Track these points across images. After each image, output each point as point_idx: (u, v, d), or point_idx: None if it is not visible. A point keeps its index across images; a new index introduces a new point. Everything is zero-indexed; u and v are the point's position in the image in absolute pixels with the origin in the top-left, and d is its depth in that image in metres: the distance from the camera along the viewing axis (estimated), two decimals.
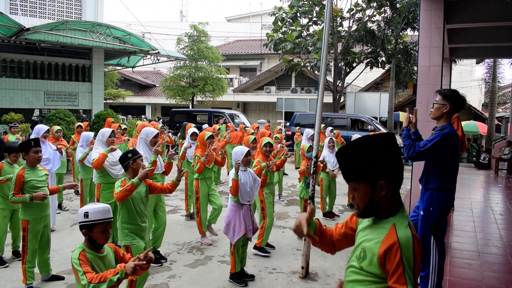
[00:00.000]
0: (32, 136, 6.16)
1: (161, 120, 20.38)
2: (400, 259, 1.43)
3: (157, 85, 29.68)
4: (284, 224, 6.39)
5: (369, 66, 18.52)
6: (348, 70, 18.93)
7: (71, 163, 8.21)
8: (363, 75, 20.10)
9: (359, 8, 17.61)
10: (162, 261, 4.67)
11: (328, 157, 6.63)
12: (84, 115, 15.62)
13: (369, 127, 13.98)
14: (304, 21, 18.61)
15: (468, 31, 8.03)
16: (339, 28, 18.29)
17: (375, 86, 22.98)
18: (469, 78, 28.00)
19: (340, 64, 18.51)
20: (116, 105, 27.39)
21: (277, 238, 5.60)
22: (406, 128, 3.40)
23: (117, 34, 13.74)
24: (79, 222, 2.35)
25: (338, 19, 17.96)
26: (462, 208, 6.94)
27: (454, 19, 6.61)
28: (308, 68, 18.98)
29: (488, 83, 20.44)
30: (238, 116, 16.73)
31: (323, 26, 4.57)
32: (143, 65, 18.31)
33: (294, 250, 5.23)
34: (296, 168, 12.09)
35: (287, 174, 11.01)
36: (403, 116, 18.77)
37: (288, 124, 15.89)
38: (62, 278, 4.14)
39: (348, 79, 19.37)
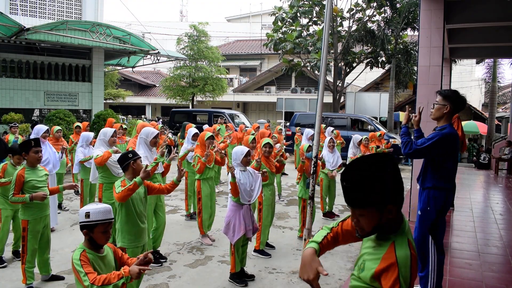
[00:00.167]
0: (32, 136, 6.16)
1: (161, 120, 20.37)
2: (397, 278, 1.44)
3: (157, 85, 29.69)
4: (284, 224, 6.40)
5: (369, 66, 18.52)
6: (348, 70, 18.93)
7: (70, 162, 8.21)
8: (363, 75, 20.10)
9: (359, 8, 17.61)
10: (162, 261, 4.67)
11: (328, 157, 6.62)
12: (84, 115, 15.62)
13: (369, 127, 13.98)
14: (304, 21, 18.61)
15: (468, 31, 8.03)
16: (339, 28, 18.29)
17: (375, 86, 22.97)
18: (469, 78, 28.00)
19: (340, 64, 18.50)
20: (116, 105, 27.39)
21: (277, 238, 5.60)
22: (405, 125, 3.41)
23: (117, 34, 13.74)
24: (80, 222, 2.35)
25: (338, 19, 17.96)
26: (462, 208, 6.95)
27: (454, 19, 6.61)
28: (308, 68, 18.98)
29: (488, 83, 20.44)
30: (238, 116, 16.73)
31: (323, 26, 4.57)
32: (143, 65, 18.31)
33: (294, 250, 5.23)
34: (296, 168, 12.09)
35: (287, 174, 11.01)
36: (403, 116, 18.73)
37: (288, 124, 15.89)
38: (62, 278, 4.14)
39: (348, 79, 19.37)
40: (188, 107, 23.61)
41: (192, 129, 6.44)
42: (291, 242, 5.53)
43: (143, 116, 26.54)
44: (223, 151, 5.76)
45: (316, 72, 18.45)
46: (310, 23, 18.53)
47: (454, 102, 3.27)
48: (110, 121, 8.42)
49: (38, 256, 4.01)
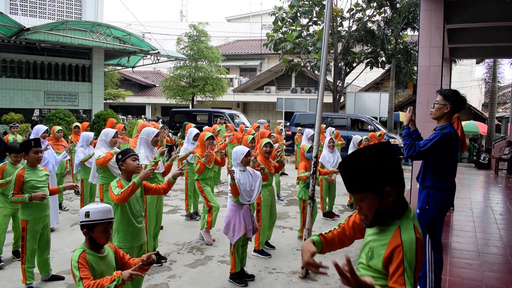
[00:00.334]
0: (31, 136, 6.16)
1: (161, 120, 20.38)
2: (401, 261, 1.45)
3: (157, 85, 29.69)
4: (284, 224, 6.39)
5: (369, 66, 18.52)
6: (348, 70, 18.94)
7: (69, 163, 8.21)
8: (363, 75, 20.10)
9: (359, 8, 17.61)
10: (162, 261, 4.67)
11: (328, 157, 6.62)
12: (84, 115, 15.62)
13: (369, 127, 13.98)
14: (304, 21, 18.62)
15: (468, 31, 8.03)
16: (339, 28, 18.29)
17: (375, 86, 22.98)
18: (469, 78, 28.01)
19: (340, 64, 18.51)
20: (116, 105, 27.40)
21: (277, 238, 5.60)
22: (407, 127, 3.40)
23: (117, 34, 13.75)
24: (80, 222, 2.35)
25: (338, 19, 17.96)
26: (462, 208, 6.95)
27: (454, 19, 6.61)
28: (308, 68, 18.98)
29: (488, 83, 20.44)
30: (238, 116, 16.74)
31: (323, 26, 4.57)
32: (143, 65, 18.32)
33: (294, 250, 5.23)
34: (296, 168, 12.09)
35: (287, 174, 11.01)
36: (403, 116, 18.76)
37: (288, 124, 15.89)
38: (62, 278, 4.14)
39: (348, 79, 19.37)
40: (188, 107, 23.61)
41: (193, 130, 6.44)
42: (291, 242, 5.53)
43: (143, 116, 26.54)
44: (223, 151, 5.75)
45: (316, 72, 18.45)
46: (310, 23, 18.54)
47: (455, 102, 3.28)
48: (110, 121, 8.41)
49: (38, 256, 4.01)
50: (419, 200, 3.42)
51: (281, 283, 4.21)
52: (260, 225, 4.90)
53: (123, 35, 13.83)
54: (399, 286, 1.44)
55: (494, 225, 6.01)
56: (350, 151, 7.47)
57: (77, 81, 15.18)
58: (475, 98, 27.86)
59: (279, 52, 18.63)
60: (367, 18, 17.78)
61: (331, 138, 6.86)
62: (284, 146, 9.23)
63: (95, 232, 2.31)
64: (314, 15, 18.07)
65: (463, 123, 8.53)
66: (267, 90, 26.53)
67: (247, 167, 4.26)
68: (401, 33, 16.93)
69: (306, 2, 17.78)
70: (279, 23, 18.49)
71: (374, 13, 17.62)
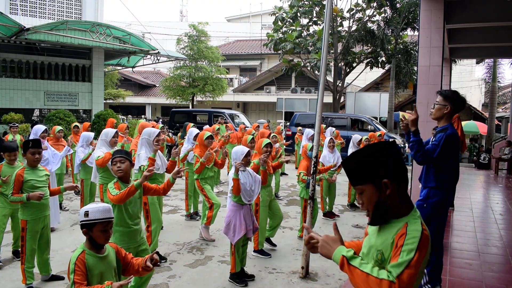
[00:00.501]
0: (31, 137, 6.17)
1: (161, 120, 20.38)
2: (402, 244, 1.46)
3: (157, 85, 29.69)
4: (284, 224, 6.39)
5: (369, 66, 18.52)
6: (348, 70, 18.93)
7: (70, 163, 8.21)
8: (363, 75, 20.10)
9: (359, 8, 17.61)
10: (162, 261, 4.67)
11: (328, 157, 6.62)
12: (84, 115, 15.63)
13: (369, 127, 13.98)
14: (304, 21, 18.62)
15: (468, 31, 8.03)
16: (339, 28, 18.29)
17: (375, 86, 22.98)
18: (469, 78, 28.01)
19: (340, 64, 18.50)
20: (116, 105, 27.40)
21: (277, 238, 5.60)
22: (413, 132, 3.27)
23: (117, 34, 13.76)
24: (80, 221, 2.35)
25: (338, 19, 17.96)
26: (462, 208, 6.95)
27: (454, 19, 6.61)
28: (308, 68, 18.98)
29: (488, 83, 20.43)
30: (238, 116, 16.74)
31: (323, 26, 4.57)
32: (143, 65, 18.33)
33: (294, 250, 5.23)
34: (296, 168, 12.09)
35: (287, 174, 11.01)
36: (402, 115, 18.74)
37: (288, 124, 15.89)
38: (62, 278, 4.14)
39: (348, 79, 19.37)
40: (188, 107, 23.62)
41: (193, 130, 6.44)
42: (291, 242, 5.53)
43: (143, 116, 26.54)
44: (225, 149, 5.74)
45: (316, 72, 18.45)
46: (310, 23, 18.53)
47: (455, 102, 3.29)
48: (110, 121, 8.42)
49: (37, 256, 4.01)
50: (420, 197, 3.46)
51: (281, 283, 4.21)
52: (258, 225, 4.90)
53: (123, 35, 13.84)
54: (391, 268, 1.43)
55: (494, 225, 6.01)
56: (350, 151, 7.47)
57: (77, 81, 15.19)
58: (475, 98, 27.86)
59: (279, 52, 18.63)
60: (367, 18, 17.78)
61: (331, 138, 6.86)
62: (284, 146, 9.23)
63: (94, 232, 2.30)
64: (314, 15, 18.07)
65: (463, 123, 8.54)
66: (267, 90, 26.53)
67: (247, 168, 4.26)
68: (401, 33, 16.93)
69: (306, 2, 17.78)
70: (279, 23, 18.49)
71: (374, 13, 17.62)
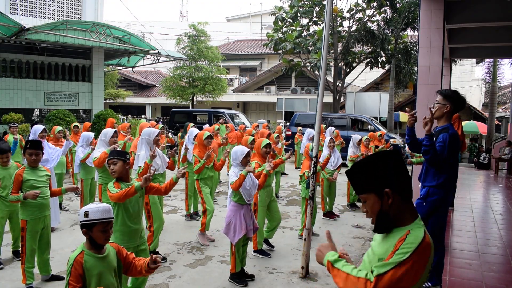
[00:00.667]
0: (30, 137, 6.17)
1: (161, 121, 20.38)
2: (397, 249, 1.44)
3: (157, 85, 29.69)
4: (284, 224, 6.39)
5: (369, 66, 18.52)
6: (348, 70, 18.93)
7: (70, 163, 8.20)
8: (363, 75, 20.10)
9: (359, 8, 17.61)
10: (163, 261, 4.67)
11: None
12: (84, 115, 15.62)
13: (369, 127, 13.98)
14: (304, 21, 18.62)
15: (468, 31, 8.03)
16: (339, 28, 18.29)
17: (375, 86, 22.98)
18: (469, 78, 28.01)
19: (340, 64, 18.50)
20: (116, 105, 27.39)
21: (277, 238, 5.60)
22: (427, 135, 3.26)
23: (117, 34, 13.75)
24: (80, 221, 2.35)
25: (338, 19, 17.96)
26: (462, 208, 6.95)
27: (454, 19, 6.61)
28: (308, 68, 18.98)
29: (488, 83, 20.43)
30: (238, 116, 16.73)
31: (323, 26, 4.57)
32: (143, 65, 18.32)
33: (294, 250, 5.23)
34: (297, 168, 12.09)
35: (287, 174, 11.01)
36: (403, 116, 18.77)
37: (288, 124, 15.89)
38: (62, 278, 4.14)
39: (348, 79, 19.37)
40: (188, 107, 23.61)
41: (193, 130, 6.45)
42: (291, 242, 5.53)
43: (143, 116, 26.53)
44: (227, 149, 5.73)
45: (316, 72, 18.45)
46: (310, 23, 18.53)
47: (454, 102, 3.30)
48: (110, 121, 8.41)
49: (38, 256, 4.01)
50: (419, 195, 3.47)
51: (281, 283, 4.21)
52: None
53: (123, 35, 13.83)
54: (375, 268, 1.43)
55: (494, 225, 6.01)
56: (350, 151, 7.47)
57: (77, 81, 15.18)
58: (475, 98, 27.86)
59: (279, 52, 18.63)
60: (367, 18, 17.78)
61: (331, 138, 6.85)
62: (284, 146, 9.24)
63: (94, 232, 2.30)
64: (314, 15, 18.07)
65: (463, 123, 8.51)
66: (267, 90, 26.53)
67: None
68: (401, 33, 16.93)
69: (306, 2, 17.78)
70: (279, 23, 18.49)
71: (374, 13, 17.62)
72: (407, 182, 1.58)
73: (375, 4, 16.97)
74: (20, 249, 4.10)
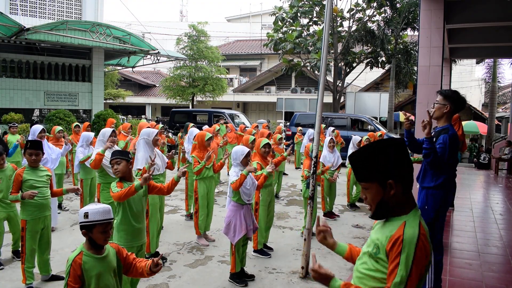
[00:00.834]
0: (29, 137, 6.17)
1: (161, 121, 20.37)
2: (398, 254, 1.48)
3: (157, 85, 29.68)
4: (284, 224, 6.39)
5: (369, 66, 18.51)
6: (348, 70, 18.93)
7: (70, 163, 8.20)
8: (363, 75, 20.09)
9: (359, 8, 17.61)
10: (163, 261, 4.66)
11: (329, 157, 6.62)
12: (84, 115, 15.63)
13: (369, 127, 13.98)
14: (304, 21, 18.61)
15: (468, 31, 8.03)
16: (339, 28, 18.29)
17: (375, 86, 22.97)
18: (469, 78, 28.00)
19: (340, 64, 18.50)
20: (116, 105, 27.39)
21: (277, 238, 5.60)
22: (427, 138, 3.24)
23: (117, 34, 13.76)
24: (79, 222, 2.35)
25: (338, 19, 17.95)
26: (462, 208, 6.95)
27: (454, 19, 6.61)
28: (308, 68, 18.97)
29: (488, 83, 20.43)
30: (238, 116, 16.73)
31: (323, 26, 4.57)
32: (143, 65, 18.33)
33: (294, 250, 5.22)
34: (296, 168, 12.10)
35: (287, 174, 11.01)
36: (403, 116, 18.76)
37: (288, 124, 15.89)
38: (62, 278, 4.13)
39: (348, 79, 19.37)
40: (188, 107, 23.61)
41: (194, 130, 6.44)
42: (291, 242, 5.53)
43: (143, 116, 26.53)
44: (223, 149, 5.74)
45: (316, 72, 18.45)
46: (310, 23, 18.53)
47: (455, 102, 3.29)
48: (110, 121, 8.41)
49: (38, 257, 4.01)
50: (419, 200, 3.43)
51: (281, 283, 4.21)
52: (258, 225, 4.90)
53: (123, 35, 13.84)
54: (389, 278, 1.47)
55: (494, 225, 6.01)
56: (350, 151, 7.47)
57: (77, 81, 15.18)
58: (475, 98, 27.86)
59: (279, 52, 18.62)
60: (367, 18, 17.78)
61: (331, 138, 6.86)
62: (284, 146, 9.24)
63: (94, 233, 2.30)
64: (314, 15, 18.07)
65: (463, 123, 8.51)
66: (267, 90, 26.53)
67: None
68: (401, 33, 16.92)
69: (306, 2, 17.78)
70: (279, 23, 18.48)
71: (374, 13, 17.62)
72: (410, 172, 1.58)
73: (375, 4, 16.96)
74: (20, 249, 4.10)
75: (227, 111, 16.88)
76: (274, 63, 26.91)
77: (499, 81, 19.26)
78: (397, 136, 13.95)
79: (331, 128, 9.25)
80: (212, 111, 17.40)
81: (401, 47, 17.25)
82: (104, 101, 17.13)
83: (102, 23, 13.76)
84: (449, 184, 3.37)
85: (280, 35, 18.55)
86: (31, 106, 14.37)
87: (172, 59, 17.58)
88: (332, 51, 17.44)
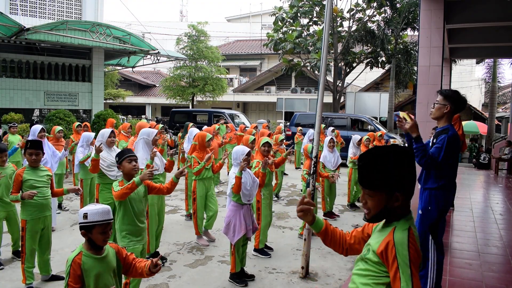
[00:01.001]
0: (29, 137, 6.17)
1: (161, 121, 20.37)
2: (394, 257, 1.50)
3: (157, 85, 29.68)
4: (284, 224, 6.39)
5: (369, 66, 18.51)
6: (348, 70, 18.93)
7: (70, 163, 8.21)
8: (363, 75, 20.09)
9: (359, 8, 17.61)
10: (163, 261, 4.66)
11: (329, 157, 6.62)
12: (84, 115, 15.63)
13: (369, 127, 13.98)
14: (304, 21, 18.61)
15: (468, 31, 8.03)
16: (339, 28, 18.29)
17: (375, 86, 22.97)
18: (469, 78, 28.00)
19: (340, 64, 18.50)
20: (116, 105, 27.38)
21: (277, 238, 5.60)
22: (416, 142, 3.24)
23: (117, 34, 13.75)
24: (79, 223, 2.35)
25: (338, 19, 17.95)
26: (462, 208, 6.95)
27: (454, 19, 6.61)
28: (308, 68, 18.97)
29: (488, 83, 20.42)
30: (238, 116, 16.73)
31: (323, 26, 4.57)
32: (143, 65, 18.32)
33: (294, 250, 5.23)
34: (296, 168, 12.10)
35: (287, 174, 11.00)
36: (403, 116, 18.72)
37: (288, 124, 15.89)
38: (62, 278, 4.14)
39: (348, 79, 19.37)
40: (188, 107, 23.61)
41: (194, 130, 6.44)
42: (291, 242, 5.53)
43: (143, 116, 26.53)
44: (222, 149, 5.74)
45: (316, 72, 18.44)
46: (310, 23, 18.53)
47: (455, 102, 3.27)
48: (110, 121, 8.41)
49: (38, 257, 4.01)
50: (421, 201, 3.41)
51: (281, 283, 4.21)
52: (260, 223, 4.90)
53: (123, 35, 13.83)
54: (394, 278, 1.49)
55: (494, 225, 6.01)
56: (350, 151, 7.47)
57: (77, 81, 15.18)
58: (475, 98, 27.85)
59: (279, 52, 18.62)
60: (367, 18, 17.78)
61: (332, 138, 6.86)
62: (285, 146, 9.24)
63: (93, 234, 2.30)
64: (314, 15, 18.07)
65: (463, 123, 8.51)
66: (267, 90, 26.52)
67: (248, 169, 4.25)
68: (401, 33, 16.92)
69: (306, 2, 17.78)
70: (279, 23, 18.48)
71: (374, 13, 17.61)
72: (413, 183, 1.59)
73: (375, 4, 16.96)
74: (20, 249, 4.09)
75: (227, 111, 16.88)
76: (274, 63, 26.91)
77: (499, 81, 19.26)
78: (398, 136, 13.95)
79: (331, 128, 9.25)
80: (212, 111, 17.40)
81: (401, 47, 17.25)
82: (104, 101, 17.13)
83: (102, 23, 13.75)
84: (451, 185, 3.36)
85: (280, 35, 18.55)
86: (31, 106, 14.36)
87: (172, 59, 17.57)
88: (332, 51, 17.44)
